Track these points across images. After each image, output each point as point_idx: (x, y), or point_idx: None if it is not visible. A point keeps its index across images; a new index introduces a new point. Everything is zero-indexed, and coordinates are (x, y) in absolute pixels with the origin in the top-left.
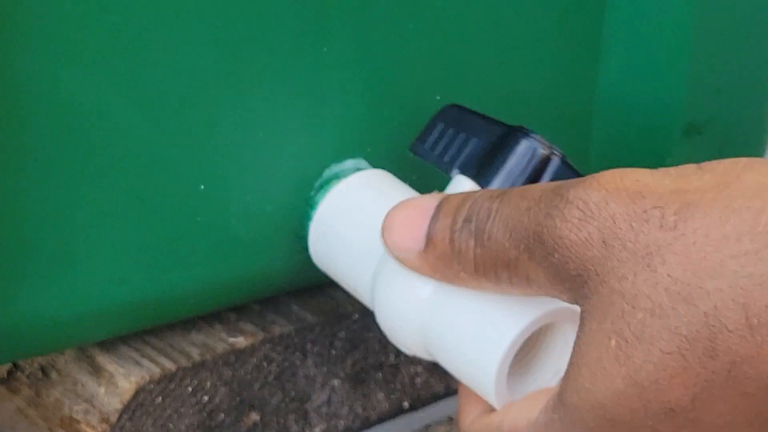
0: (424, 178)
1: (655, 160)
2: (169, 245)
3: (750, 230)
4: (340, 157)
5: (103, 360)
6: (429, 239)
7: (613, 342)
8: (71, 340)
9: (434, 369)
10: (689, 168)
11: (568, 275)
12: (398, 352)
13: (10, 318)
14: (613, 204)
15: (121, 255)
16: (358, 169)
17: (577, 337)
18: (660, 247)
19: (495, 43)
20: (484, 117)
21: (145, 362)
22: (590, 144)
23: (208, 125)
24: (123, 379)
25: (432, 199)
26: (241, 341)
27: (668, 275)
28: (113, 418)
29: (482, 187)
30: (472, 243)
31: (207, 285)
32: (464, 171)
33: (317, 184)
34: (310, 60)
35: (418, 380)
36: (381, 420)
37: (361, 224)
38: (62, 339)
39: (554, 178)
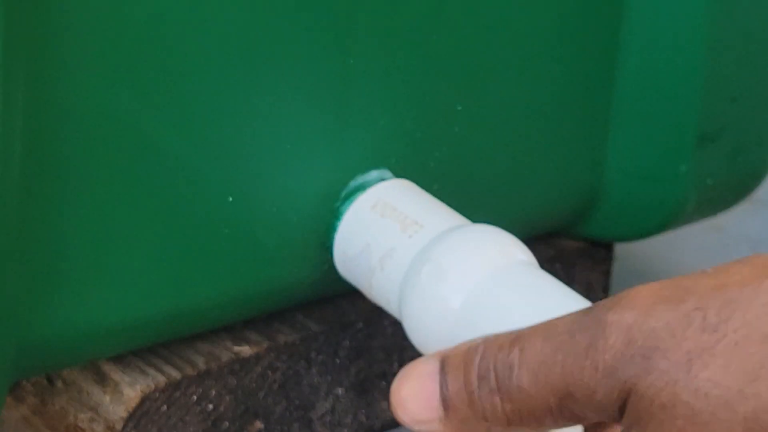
0: (446, 188)
1: (669, 168)
2: (197, 257)
3: None
4: (365, 168)
5: (109, 368)
6: (446, 405)
7: None
8: (100, 352)
9: None
10: (730, 263)
11: (610, 402)
12: (402, 362)
13: (40, 332)
14: (654, 317)
15: (150, 268)
16: (383, 180)
17: None
18: (702, 351)
19: (514, 55)
20: None
21: (151, 371)
22: (606, 153)
23: (236, 137)
24: (128, 387)
25: (431, 363)
26: (245, 350)
27: (709, 380)
28: (118, 427)
29: None
30: (497, 400)
31: (233, 296)
32: None
33: (343, 194)
34: (335, 72)
35: None
36: (385, 429)
37: (389, 233)
38: (91, 351)
39: None
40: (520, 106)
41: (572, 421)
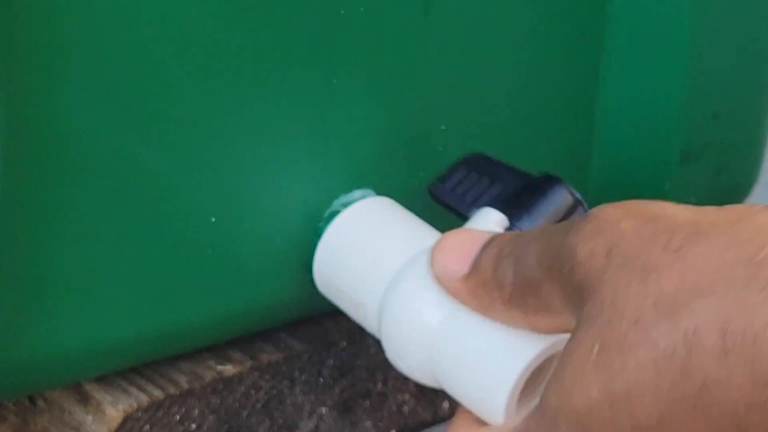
0: (430, 208)
1: (653, 186)
2: (180, 278)
3: (746, 260)
4: (348, 188)
5: (91, 388)
6: (475, 265)
7: (595, 348)
8: (83, 373)
9: (422, 397)
10: (712, 207)
11: (573, 289)
12: (386, 380)
13: (22, 354)
14: (626, 222)
15: (132, 289)
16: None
17: (566, 344)
18: (659, 265)
19: (497, 75)
20: (508, 166)
21: (133, 390)
22: (589, 170)
23: (219, 157)
24: (111, 407)
25: (485, 234)
26: (229, 369)
27: (659, 290)
28: None
29: (511, 224)
30: (510, 270)
31: (216, 317)
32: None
33: (326, 214)
34: (319, 91)
35: (406, 408)
36: None
37: (366, 252)
38: (73, 373)
39: None
40: (503, 124)
41: (545, 309)
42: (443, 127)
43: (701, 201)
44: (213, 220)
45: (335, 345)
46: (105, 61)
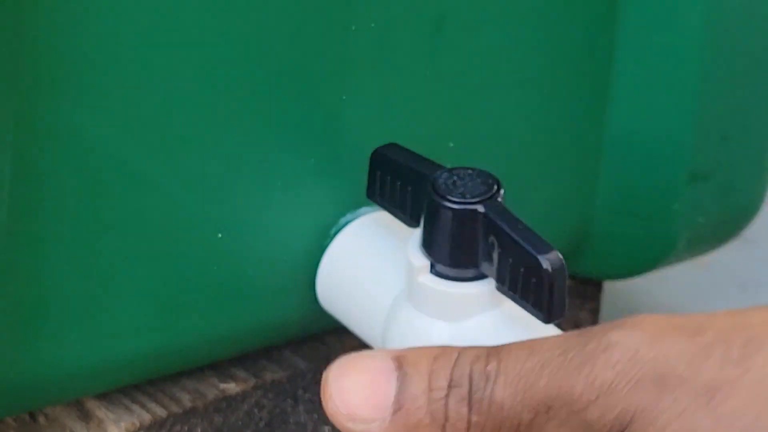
0: None
1: (661, 206)
2: (185, 294)
3: None
4: (356, 205)
5: (93, 405)
6: (398, 407)
7: None
8: (85, 390)
9: None
10: (741, 309)
11: (603, 424)
12: None
13: (24, 369)
14: (666, 344)
15: (136, 305)
16: None
17: None
18: (724, 383)
19: (506, 94)
20: (412, 159)
21: (136, 408)
22: (597, 190)
23: (226, 173)
24: (113, 425)
25: (381, 360)
26: (232, 387)
27: (731, 412)
28: None
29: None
30: (464, 411)
31: (221, 334)
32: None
33: (333, 231)
34: (328, 107)
35: None
36: None
37: (369, 267)
38: (76, 390)
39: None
40: (512, 143)
41: None
42: (451, 145)
43: (709, 221)
44: (219, 236)
45: None
46: (112, 75)
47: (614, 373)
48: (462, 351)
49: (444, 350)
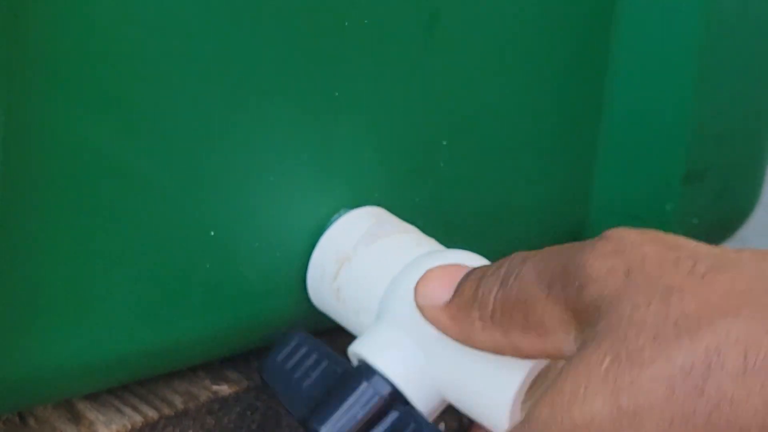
0: (431, 223)
1: (655, 206)
2: (177, 293)
3: None
4: (349, 203)
5: (84, 407)
6: (457, 290)
7: (606, 361)
8: (75, 390)
9: None
10: (731, 248)
11: (583, 306)
12: None
13: (17, 369)
14: (648, 246)
15: (129, 304)
16: None
17: (568, 360)
18: (683, 287)
19: (500, 92)
20: (319, 356)
21: (127, 410)
22: (591, 190)
23: (219, 170)
24: (104, 427)
25: (471, 267)
26: (224, 389)
27: (682, 310)
28: None
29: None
30: (496, 287)
31: (213, 333)
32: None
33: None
34: (321, 105)
35: None
36: None
37: (359, 264)
38: (66, 389)
39: (393, 427)
40: (506, 142)
41: (536, 326)
42: (445, 143)
43: (704, 222)
44: (212, 233)
45: None
46: (104, 71)
47: (598, 259)
48: (515, 255)
49: (501, 260)
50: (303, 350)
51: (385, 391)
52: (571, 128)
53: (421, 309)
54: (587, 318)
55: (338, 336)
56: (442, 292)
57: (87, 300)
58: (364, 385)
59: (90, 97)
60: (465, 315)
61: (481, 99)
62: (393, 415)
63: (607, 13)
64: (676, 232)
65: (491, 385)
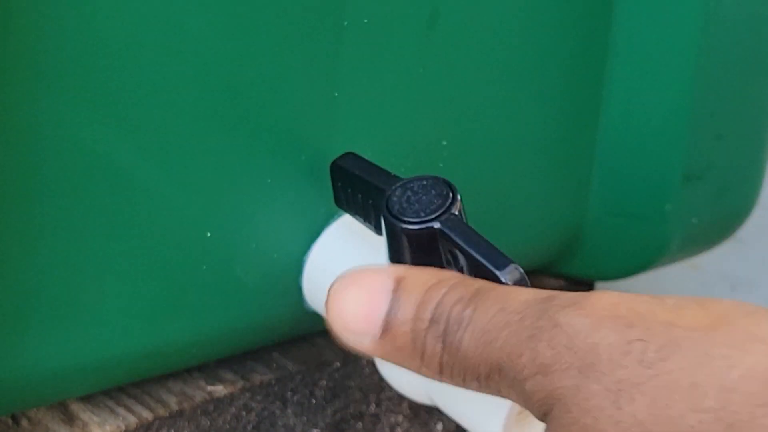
0: None
1: (654, 207)
2: (173, 293)
3: (717, 385)
4: None
5: (77, 408)
6: (387, 327)
7: None
8: (69, 392)
9: (415, 419)
10: (690, 301)
11: (537, 399)
12: (379, 402)
13: (10, 370)
14: (600, 333)
15: (125, 305)
16: None
17: None
18: (633, 385)
19: (499, 92)
20: (370, 171)
21: (121, 411)
22: (590, 189)
23: (216, 170)
24: (97, 428)
25: (386, 279)
26: (219, 389)
27: (632, 416)
28: None
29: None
30: (438, 348)
31: (209, 334)
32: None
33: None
34: (320, 105)
35: (399, 430)
36: None
37: (353, 262)
38: (60, 391)
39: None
40: (505, 142)
41: (496, 394)
42: (444, 143)
43: (702, 222)
44: (208, 234)
45: (328, 365)
46: (99, 71)
47: (552, 354)
48: (452, 287)
49: (439, 281)
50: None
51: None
52: (570, 128)
53: (345, 340)
54: (543, 409)
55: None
56: (365, 323)
57: (82, 301)
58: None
59: (84, 97)
60: (406, 359)
61: (480, 99)
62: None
63: (605, 13)
64: (675, 231)
65: (480, 411)
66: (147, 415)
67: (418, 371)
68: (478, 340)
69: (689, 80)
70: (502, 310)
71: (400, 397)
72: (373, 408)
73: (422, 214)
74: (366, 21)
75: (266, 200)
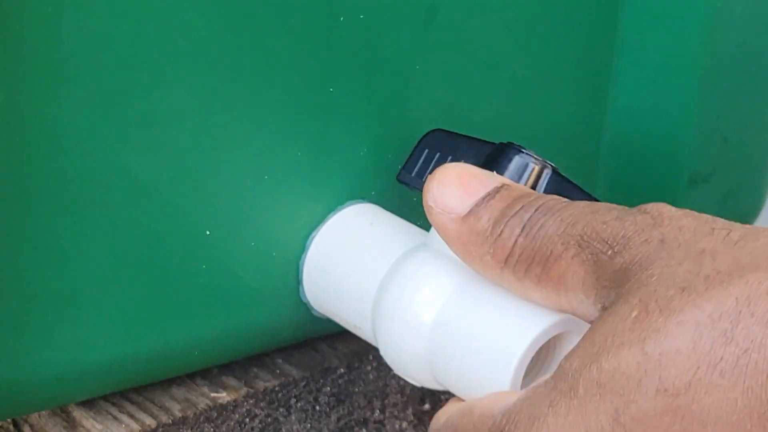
0: (428, 224)
1: None
2: (173, 294)
3: None
4: (344, 200)
5: (80, 415)
6: (473, 212)
7: (634, 313)
8: (70, 396)
9: (419, 425)
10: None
11: (611, 272)
12: (383, 408)
13: (11, 374)
14: (685, 219)
15: (124, 306)
16: None
17: (601, 315)
18: (715, 251)
19: (500, 89)
20: (469, 138)
21: (124, 418)
22: (595, 192)
23: (214, 168)
24: None
25: (494, 179)
26: (223, 396)
27: (714, 267)
28: None
29: None
30: (517, 231)
31: (210, 336)
32: None
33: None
34: (316, 101)
35: None
36: None
37: (355, 257)
38: (60, 395)
39: (548, 189)
40: (507, 139)
41: (552, 282)
42: None
43: None
44: (208, 233)
45: (332, 371)
46: (101, 69)
47: (636, 229)
48: (548, 196)
49: (534, 192)
50: (437, 156)
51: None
52: (576, 130)
53: (430, 211)
54: (613, 283)
55: (339, 344)
56: (458, 201)
57: (82, 302)
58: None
59: (87, 98)
60: (476, 246)
61: (479, 97)
62: (547, 175)
63: (611, 15)
64: None
65: (491, 359)
66: (150, 422)
67: (480, 259)
68: (562, 222)
69: (695, 83)
70: (591, 206)
71: (405, 404)
72: (377, 414)
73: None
74: (362, 17)
75: (264, 197)
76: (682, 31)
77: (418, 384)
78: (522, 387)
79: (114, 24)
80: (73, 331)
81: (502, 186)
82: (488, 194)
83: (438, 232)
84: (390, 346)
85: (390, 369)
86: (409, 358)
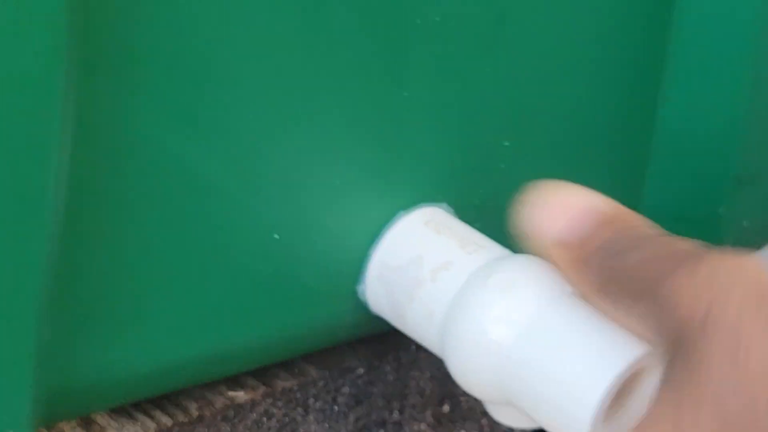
0: (491, 227)
1: (707, 209)
2: (238, 297)
3: None
4: (411, 204)
5: (95, 414)
6: (582, 244)
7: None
8: (133, 396)
9: (438, 427)
10: None
11: (666, 321)
12: (402, 410)
13: (79, 376)
14: (738, 290)
15: (190, 308)
16: None
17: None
18: (750, 343)
19: (561, 92)
20: None
21: (140, 416)
22: (642, 191)
23: (284, 170)
24: None
25: (600, 203)
26: (240, 395)
27: (748, 368)
28: None
29: None
30: (607, 264)
31: (272, 338)
32: None
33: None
34: (389, 105)
35: None
36: None
37: (423, 264)
38: (124, 395)
39: None
40: (564, 144)
41: (638, 320)
42: (506, 144)
43: (754, 225)
44: (276, 236)
45: (351, 372)
46: (175, 70)
47: (687, 284)
48: (642, 222)
49: (634, 217)
50: None
51: None
52: (626, 130)
53: (531, 234)
54: (669, 333)
55: (360, 344)
56: (563, 226)
57: (146, 306)
58: None
59: (157, 100)
60: (579, 270)
61: (542, 101)
62: None
63: (664, 17)
64: (726, 234)
65: (572, 392)
66: (166, 420)
67: (582, 284)
68: (641, 259)
69: (746, 84)
70: (670, 245)
71: (424, 405)
72: (396, 415)
73: None
74: (438, 19)
75: (333, 201)
76: (733, 33)
77: (486, 401)
78: (608, 417)
79: (189, 22)
80: (139, 333)
81: (610, 214)
82: (591, 220)
83: (548, 257)
84: (459, 359)
85: (409, 369)
86: (479, 372)
